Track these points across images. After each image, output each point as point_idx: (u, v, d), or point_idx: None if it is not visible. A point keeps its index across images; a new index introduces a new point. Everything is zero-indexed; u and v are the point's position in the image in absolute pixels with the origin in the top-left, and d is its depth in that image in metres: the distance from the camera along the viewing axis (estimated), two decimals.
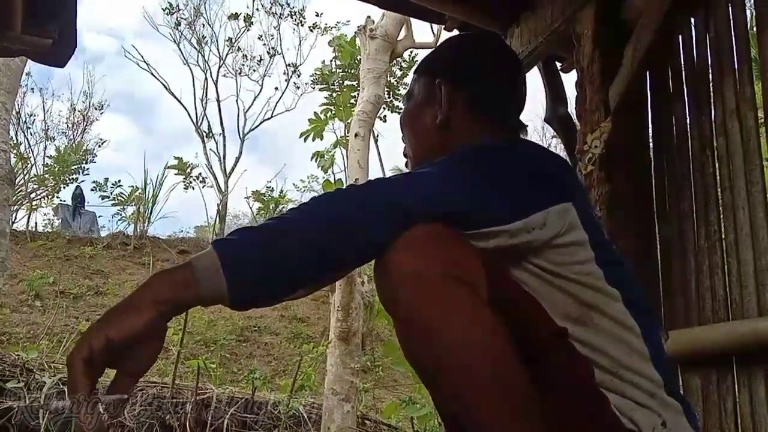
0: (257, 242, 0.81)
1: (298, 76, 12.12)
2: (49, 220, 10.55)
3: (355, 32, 6.11)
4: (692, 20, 2.03)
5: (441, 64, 1.18)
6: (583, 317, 0.91)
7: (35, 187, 10.21)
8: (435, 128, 1.13)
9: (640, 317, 0.94)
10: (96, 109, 12.27)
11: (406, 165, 1.23)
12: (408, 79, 8.10)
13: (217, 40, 12.60)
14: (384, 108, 7.77)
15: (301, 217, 0.84)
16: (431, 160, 0.97)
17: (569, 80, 2.37)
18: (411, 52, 7.32)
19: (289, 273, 0.82)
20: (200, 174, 10.90)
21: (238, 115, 12.18)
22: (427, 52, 1.30)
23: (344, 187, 0.89)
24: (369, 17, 5.67)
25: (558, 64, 2.60)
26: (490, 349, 0.82)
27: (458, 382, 0.81)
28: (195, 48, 12.27)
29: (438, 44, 1.29)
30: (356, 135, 5.04)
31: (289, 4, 12.01)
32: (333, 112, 7.33)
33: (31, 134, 11.18)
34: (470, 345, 0.81)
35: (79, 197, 10.55)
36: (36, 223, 10.32)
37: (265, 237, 0.82)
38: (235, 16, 12.06)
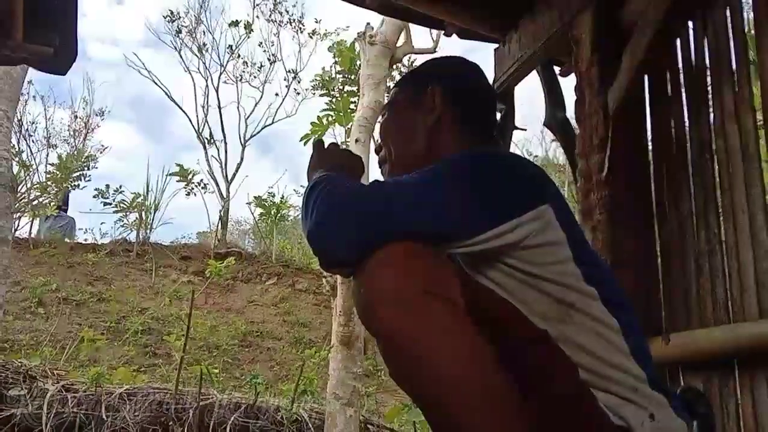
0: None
1: (299, 83, 12.11)
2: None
3: (355, 38, 6.12)
4: (690, 24, 2.03)
5: (431, 74, 1.24)
6: (562, 316, 0.92)
7: (38, 194, 10.22)
8: (423, 132, 1.17)
9: (619, 314, 0.95)
10: (97, 115, 12.30)
11: (382, 173, 1.26)
12: None
13: (217, 48, 12.58)
14: None
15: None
16: (413, 167, 0.99)
17: (568, 84, 2.38)
18: (410, 57, 7.32)
19: None
20: (202, 180, 10.89)
21: (239, 122, 12.17)
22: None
23: (330, 187, 0.95)
24: (368, 23, 5.68)
25: (557, 69, 2.61)
26: (475, 363, 0.83)
27: (446, 399, 0.81)
28: (196, 55, 12.28)
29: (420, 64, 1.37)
30: (357, 140, 5.04)
31: (288, 12, 12.02)
32: (333, 117, 7.33)
33: (33, 142, 11.19)
34: (455, 362, 0.81)
35: (61, 200, 10.17)
36: (38, 230, 10.31)
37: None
38: (235, 24, 12.07)
